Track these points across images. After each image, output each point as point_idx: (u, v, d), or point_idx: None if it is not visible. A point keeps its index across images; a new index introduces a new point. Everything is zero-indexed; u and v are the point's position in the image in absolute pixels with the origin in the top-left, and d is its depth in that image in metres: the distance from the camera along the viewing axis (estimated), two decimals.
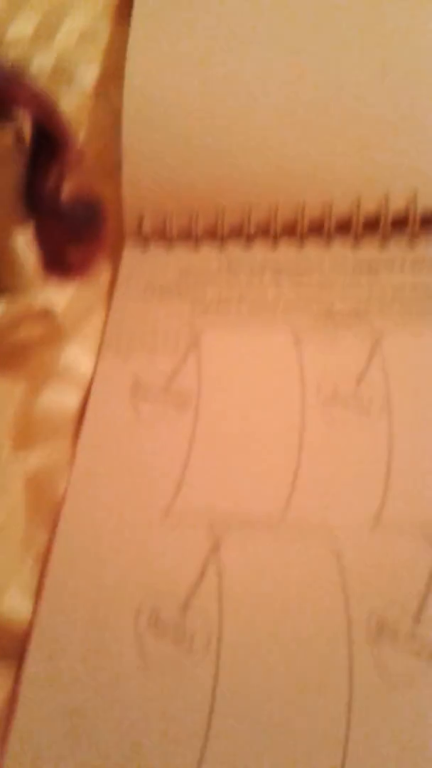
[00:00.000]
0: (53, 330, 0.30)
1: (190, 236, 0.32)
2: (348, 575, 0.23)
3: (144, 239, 0.32)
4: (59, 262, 0.29)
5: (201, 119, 0.32)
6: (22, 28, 0.44)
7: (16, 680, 0.22)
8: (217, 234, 0.31)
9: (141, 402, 0.28)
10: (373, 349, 0.28)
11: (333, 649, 0.22)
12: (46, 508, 0.26)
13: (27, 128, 0.27)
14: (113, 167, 0.32)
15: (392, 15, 0.34)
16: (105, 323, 0.30)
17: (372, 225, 0.30)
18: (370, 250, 0.30)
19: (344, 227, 0.31)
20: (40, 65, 0.41)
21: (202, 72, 0.34)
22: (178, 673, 0.22)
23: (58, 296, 0.31)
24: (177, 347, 0.29)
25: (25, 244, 0.28)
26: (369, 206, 0.30)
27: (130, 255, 0.32)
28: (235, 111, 0.32)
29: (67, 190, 0.28)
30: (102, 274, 0.32)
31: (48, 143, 0.26)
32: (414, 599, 0.22)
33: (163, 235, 0.32)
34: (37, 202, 0.27)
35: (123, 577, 0.24)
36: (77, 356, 0.30)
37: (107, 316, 0.30)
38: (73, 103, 0.39)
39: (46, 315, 0.31)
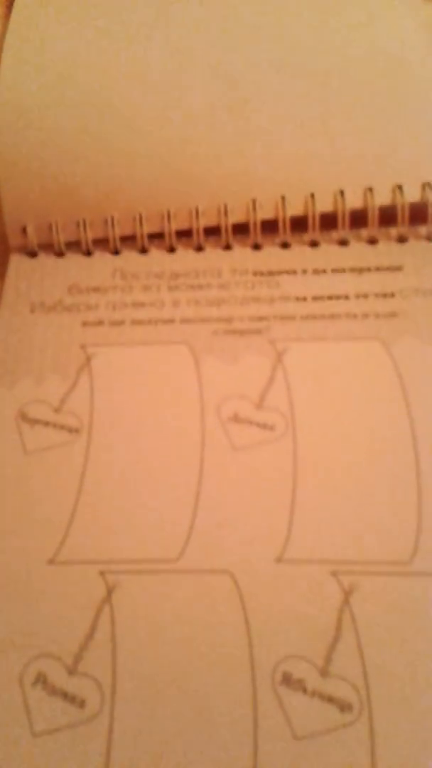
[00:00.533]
0: None
1: (79, 246, 0.29)
2: (252, 619, 0.21)
3: (30, 250, 0.30)
4: None
5: (82, 122, 0.29)
6: None
7: None
8: (109, 243, 0.29)
9: (28, 433, 0.26)
10: (276, 365, 0.26)
11: (237, 699, 0.20)
12: None
13: None
14: None
15: (289, 12, 0.32)
16: None
17: (272, 227, 0.29)
18: (270, 254, 0.29)
19: (243, 230, 0.29)
20: None
21: (87, 72, 0.31)
22: (70, 736, 0.20)
23: None
24: (67, 369, 0.27)
25: None
26: (267, 209, 0.28)
27: (16, 268, 0.29)
28: (121, 114, 0.30)
29: None
30: None
31: None
32: (323, 641, 0.21)
33: (51, 246, 0.29)
34: None
35: (7, 632, 0.22)
36: None
37: None
38: None
39: None
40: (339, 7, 0.32)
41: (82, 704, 0.20)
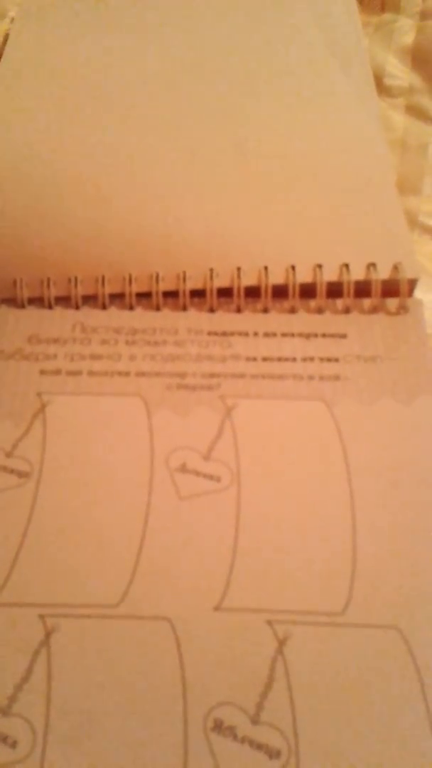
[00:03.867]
0: None
1: (42, 300, 0.30)
2: (187, 666, 0.22)
3: None
4: None
5: (49, 185, 0.31)
6: None
7: None
8: (71, 300, 0.30)
9: None
10: (224, 420, 0.27)
11: (169, 744, 0.20)
12: None
13: None
14: None
15: (248, 94, 0.35)
16: None
17: (226, 294, 0.30)
18: (224, 317, 0.30)
19: (200, 295, 0.30)
20: None
21: (58, 140, 0.34)
22: None
23: None
24: (22, 415, 0.27)
25: None
26: (224, 277, 0.30)
27: None
28: (87, 184, 0.32)
29: None
30: None
31: None
32: (255, 689, 0.21)
33: (14, 301, 0.30)
34: None
35: None
36: None
37: None
38: None
39: None
40: (301, 97, 0.35)
41: (14, 745, 0.20)
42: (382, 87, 0.40)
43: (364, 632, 0.22)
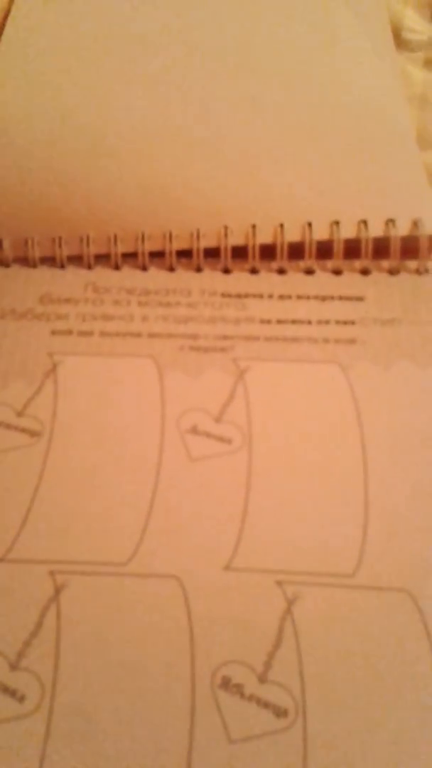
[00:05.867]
0: None
1: (54, 260, 0.30)
2: (196, 624, 0.22)
3: (4, 261, 0.30)
4: None
5: (62, 146, 0.31)
6: None
7: None
8: (83, 260, 0.30)
9: None
10: (237, 382, 0.27)
11: (176, 700, 0.21)
12: None
13: None
14: None
15: (262, 47, 0.34)
16: None
17: (242, 254, 0.30)
18: (239, 278, 0.30)
19: (214, 254, 0.30)
20: None
21: (71, 98, 0.33)
22: (8, 729, 0.20)
23: None
24: (33, 374, 0.27)
25: None
26: (238, 235, 0.30)
27: None
28: (100, 141, 0.31)
29: None
30: None
31: None
32: (263, 648, 0.21)
33: (26, 260, 0.30)
34: None
35: None
36: None
37: None
38: None
39: None
40: (318, 51, 0.34)
41: (21, 699, 0.20)
42: (400, 41, 0.38)
43: (374, 595, 0.22)
